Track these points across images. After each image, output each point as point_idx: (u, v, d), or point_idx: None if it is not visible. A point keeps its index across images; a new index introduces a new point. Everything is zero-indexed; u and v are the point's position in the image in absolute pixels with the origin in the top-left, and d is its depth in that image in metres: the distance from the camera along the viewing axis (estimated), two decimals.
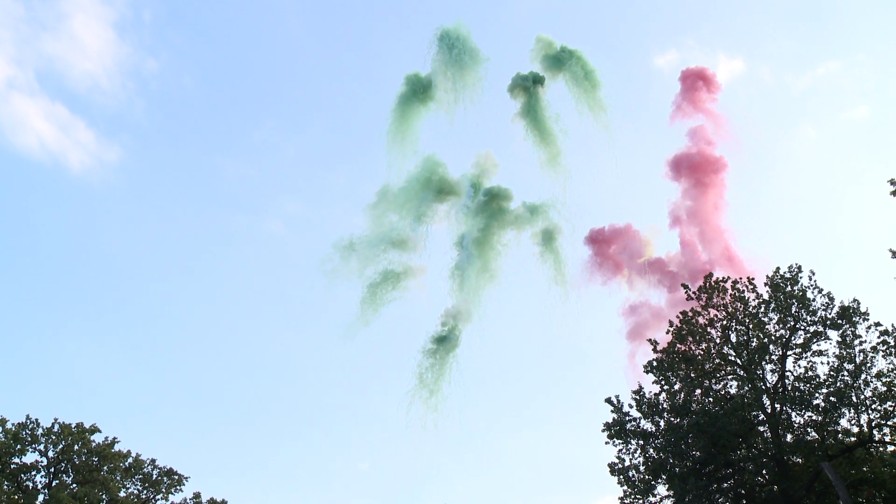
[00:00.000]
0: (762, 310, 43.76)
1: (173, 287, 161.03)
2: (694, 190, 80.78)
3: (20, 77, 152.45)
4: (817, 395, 41.06)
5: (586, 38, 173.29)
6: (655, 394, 43.77)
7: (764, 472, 41.38)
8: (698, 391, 43.19)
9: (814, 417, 41.09)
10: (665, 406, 43.10)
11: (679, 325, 45.19)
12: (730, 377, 43.86)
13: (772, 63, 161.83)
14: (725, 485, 41.98)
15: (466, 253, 72.36)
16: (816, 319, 42.53)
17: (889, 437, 40.53)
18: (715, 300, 44.79)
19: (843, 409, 40.33)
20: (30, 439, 54.85)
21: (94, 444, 56.21)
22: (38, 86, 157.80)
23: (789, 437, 41.36)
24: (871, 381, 40.26)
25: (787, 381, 42.38)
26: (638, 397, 43.96)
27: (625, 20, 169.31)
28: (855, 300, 42.29)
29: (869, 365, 40.61)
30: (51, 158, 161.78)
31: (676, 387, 43.56)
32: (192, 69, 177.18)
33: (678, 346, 44.62)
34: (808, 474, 39.66)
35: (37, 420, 55.73)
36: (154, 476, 57.90)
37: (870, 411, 40.00)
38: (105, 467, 55.91)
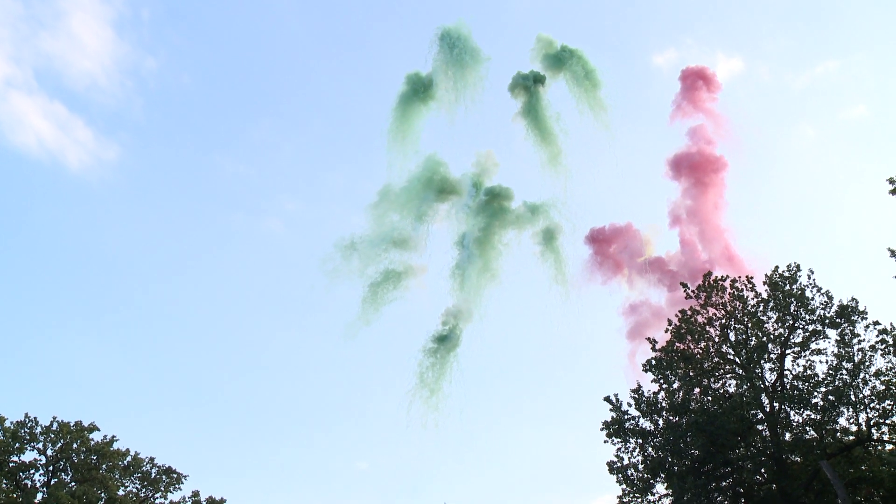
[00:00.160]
0: (761, 309, 43.74)
1: (172, 286, 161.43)
2: (694, 189, 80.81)
3: (18, 75, 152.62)
4: (816, 393, 41.05)
5: (585, 37, 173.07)
6: (654, 392, 43.79)
7: (762, 470, 41.36)
8: (697, 390, 43.18)
9: (812, 416, 41.07)
10: (664, 405, 43.09)
11: (678, 323, 45.17)
12: (728, 376, 43.84)
13: (770, 62, 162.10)
14: (724, 483, 41.98)
15: (467, 252, 72.44)
16: (815, 318, 42.51)
17: (887, 435, 40.49)
18: (714, 299, 44.78)
19: (841, 408, 40.33)
20: (28, 438, 54.85)
21: (92, 443, 56.22)
22: (37, 84, 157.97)
23: (788, 436, 41.35)
24: (870, 380, 40.23)
25: (785, 379, 42.36)
26: (637, 396, 43.94)
27: (624, 19, 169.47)
28: (853, 299, 42.34)
29: (867, 364, 40.58)
30: (49, 157, 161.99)
31: (675, 385, 43.56)
32: (190, 68, 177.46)
33: (677, 344, 44.60)
34: (807, 473, 39.61)
35: (35, 418, 55.81)
36: (153, 474, 57.92)
37: (868, 410, 39.97)
38: (104, 466, 55.93)
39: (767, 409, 41.76)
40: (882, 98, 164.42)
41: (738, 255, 77.11)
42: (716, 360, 43.86)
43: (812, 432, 41.11)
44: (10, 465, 54.08)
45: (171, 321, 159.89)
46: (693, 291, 45.77)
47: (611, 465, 43.17)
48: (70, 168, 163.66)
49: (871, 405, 39.84)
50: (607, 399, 44.42)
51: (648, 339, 46.68)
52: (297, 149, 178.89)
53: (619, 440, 43.48)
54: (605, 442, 43.73)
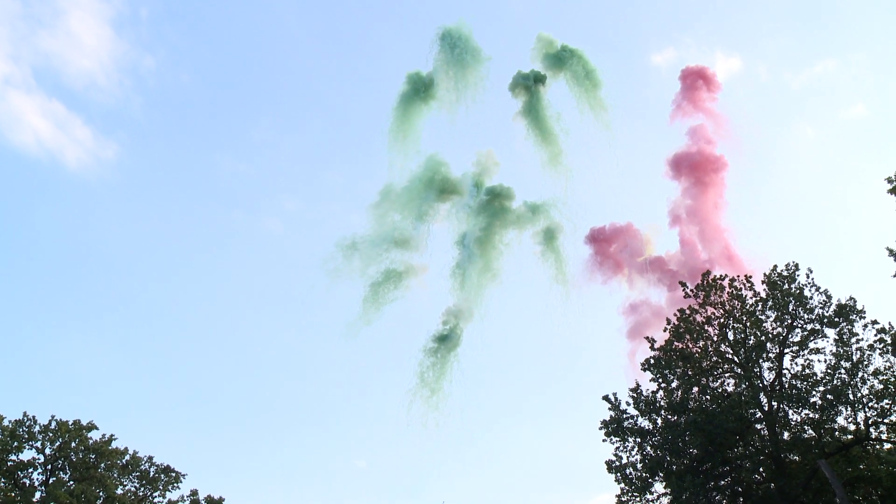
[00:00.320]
0: (760, 308, 43.73)
1: (170, 284, 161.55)
2: (694, 189, 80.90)
3: (17, 74, 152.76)
4: (814, 392, 41.03)
5: (584, 37, 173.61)
6: (653, 392, 43.76)
7: (761, 469, 41.33)
8: (695, 389, 43.16)
9: (811, 415, 41.06)
10: (662, 404, 43.08)
11: (676, 322, 45.11)
12: (727, 375, 43.81)
13: (769, 61, 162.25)
14: (722, 482, 41.94)
15: (468, 252, 72.60)
16: (814, 317, 42.50)
17: (886, 434, 40.47)
18: (712, 298, 44.76)
19: (839, 407, 40.33)
20: (27, 436, 54.68)
21: (91, 442, 56.05)
22: (35, 82, 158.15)
23: (786, 435, 41.35)
24: (868, 379, 40.24)
25: (784, 378, 42.34)
26: (635, 395, 43.90)
27: (622, 18, 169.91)
28: (851, 298, 42.30)
29: (866, 363, 40.61)
30: (48, 155, 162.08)
31: (674, 384, 43.57)
32: (189, 66, 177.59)
33: (676, 344, 44.55)
34: (805, 472, 39.57)
35: (34, 417, 55.61)
36: (151, 473, 57.72)
37: (866, 409, 39.95)
38: (102, 464, 55.75)
39: (766, 409, 41.71)
40: (881, 97, 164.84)
41: (738, 255, 77.23)
42: (714, 359, 43.83)
43: (810, 431, 41.13)
44: (9, 463, 53.90)
45: (170, 320, 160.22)
46: (692, 291, 45.71)
47: (609, 464, 43.13)
48: (69, 167, 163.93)
49: (870, 404, 39.83)
50: (606, 398, 44.42)
51: (647, 338, 46.67)
52: (296, 148, 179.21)
53: (618, 439, 43.47)
54: (604, 441, 43.75)
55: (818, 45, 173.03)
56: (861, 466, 40.18)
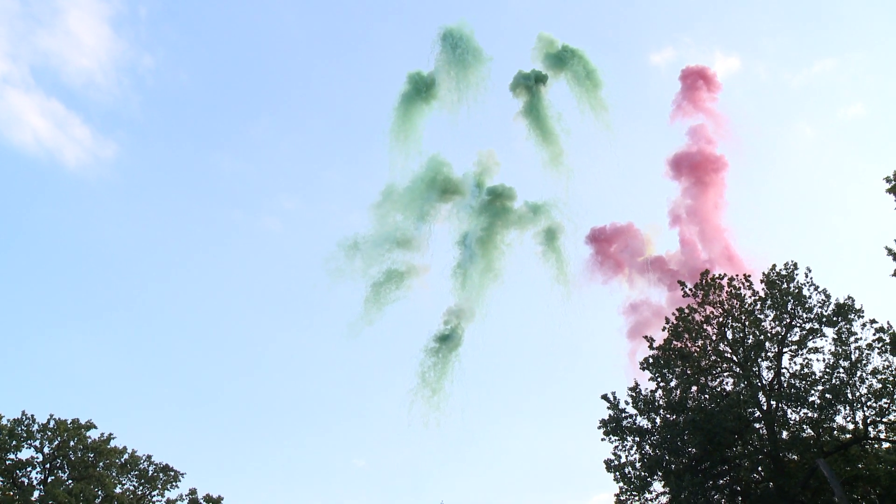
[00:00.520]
0: (758, 307, 43.67)
1: (169, 284, 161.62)
2: (694, 189, 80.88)
3: (15, 73, 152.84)
4: (813, 392, 41.00)
5: (583, 36, 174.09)
6: (651, 391, 43.68)
7: (759, 468, 41.28)
8: (694, 388, 43.12)
9: (809, 414, 41.02)
10: (661, 403, 43.03)
11: (675, 322, 45.05)
12: (726, 374, 43.78)
13: (768, 60, 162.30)
14: (721, 481, 41.88)
15: (469, 252, 72.70)
16: (812, 317, 42.45)
17: (884, 433, 40.44)
18: (711, 297, 44.68)
19: (838, 406, 40.30)
20: (25, 435, 54.65)
21: (89, 441, 56.01)
22: (34, 81, 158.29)
23: (785, 434, 41.28)
24: (867, 379, 40.21)
25: (782, 378, 42.28)
26: (634, 394, 43.84)
27: (621, 18, 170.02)
28: (850, 297, 42.25)
29: (864, 362, 40.57)
30: (46, 154, 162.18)
31: (672, 384, 43.51)
32: (188, 65, 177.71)
33: (674, 343, 44.49)
34: (804, 471, 39.49)
35: (32, 416, 55.57)
36: (150, 472, 57.68)
37: (865, 408, 39.92)
38: (101, 463, 55.72)
39: (764, 408, 41.67)
40: (879, 96, 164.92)
41: (738, 255, 77.13)
42: (713, 358, 43.78)
43: (809, 430, 41.08)
44: (7, 462, 53.88)
45: (169, 319, 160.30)
46: (690, 290, 45.63)
47: (608, 463, 43.07)
48: (67, 166, 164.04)
49: (868, 403, 39.80)
50: (605, 397, 44.37)
51: (646, 337, 46.56)
52: (295, 147, 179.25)
53: (617, 438, 43.41)
54: (603, 440, 43.71)
55: (817, 45, 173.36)
56: (859, 465, 40.14)
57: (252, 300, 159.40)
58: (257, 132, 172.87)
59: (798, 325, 42.70)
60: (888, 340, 40.24)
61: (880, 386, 39.55)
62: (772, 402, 41.73)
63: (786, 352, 42.64)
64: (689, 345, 44.32)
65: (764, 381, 42.60)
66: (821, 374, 41.31)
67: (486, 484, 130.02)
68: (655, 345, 45.30)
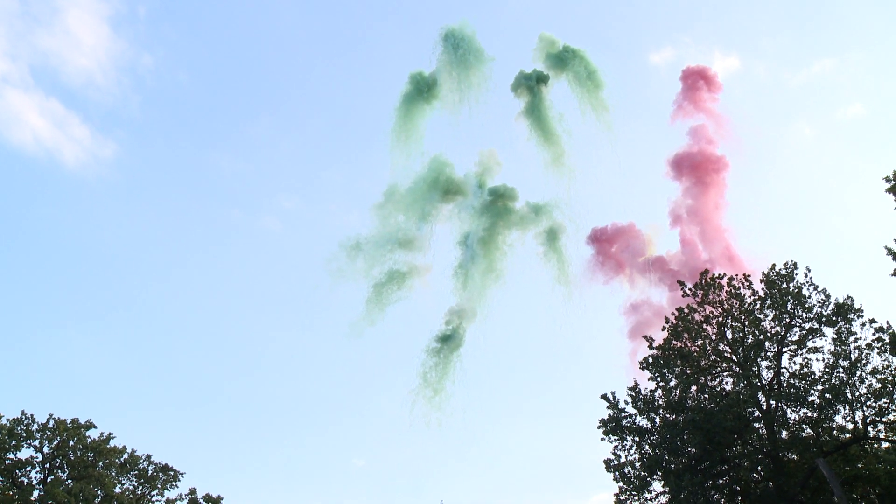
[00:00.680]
0: (758, 307, 43.62)
1: (169, 283, 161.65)
2: (695, 189, 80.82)
3: (14, 72, 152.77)
4: (812, 391, 40.97)
5: (583, 36, 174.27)
6: (651, 390, 43.61)
7: (759, 468, 41.21)
8: (694, 388, 43.06)
9: (809, 414, 40.99)
10: (661, 402, 42.98)
11: (675, 322, 44.98)
12: (725, 374, 43.72)
13: (767, 60, 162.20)
14: (721, 481, 41.81)
15: (471, 252, 72.75)
16: (812, 316, 42.40)
17: (884, 433, 40.40)
18: (711, 297, 44.62)
19: (837, 406, 40.26)
20: (25, 435, 54.70)
21: (89, 440, 56.03)
22: (33, 81, 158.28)
23: (784, 434, 41.25)
24: (866, 378, 40.19)
25: (782, 377, 42.23)
26: (634, 394, 43.77)
27: (621, 17, 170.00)
28: (849, 297, 42.20)
29: (864, 362, 40.55)
30: (46, 154, 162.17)
31: (672, 383, 43.43)
32: (187, 64, 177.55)
33: (674, 342, 44.42)
34: (803, 471, 39.47)
35: (32, 416, 55.62)
36: (149, 472, 57.71)
37: (864, 408, 39.88)
38: (100, 463, 55.75)
39: (764, 407, 41.63)
40: (879, 96, 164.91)
41: (739, 255, 77.05)
42: (713, 357, 43.72)
43: (808, 430, 41.05)
44: (7, 462, 53.92)
45: (168, 319, 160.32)
46: (690, 289, 45.57)
47: (608, 462, 43.02)
48: (67, 165, 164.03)
49: (868, 403, 39.78)
50: (604, 397, 44.31)
51: (645, 337, 46.48)
52: (295, 146, 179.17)
53: (617, 438, 43.35)
54: (602, 440, 43.66)
55: (816, 45, 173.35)
56: (859, 465, 40.14)
57: (252, 300, 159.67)
58: (257, 132, 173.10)
59: (798, 324, 42.65)
60: (888, 340, 40.20)
61: (880, 386, 39.52)
62: (771, 402, 41.67)
63: (785, 351, 42.60)
64: (689, 344, 44.26)
65: (763, 381, 42.55)
66: (820, 373, 41.29)
67: (486, 484, 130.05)
68: (655, 344, 45.26)
